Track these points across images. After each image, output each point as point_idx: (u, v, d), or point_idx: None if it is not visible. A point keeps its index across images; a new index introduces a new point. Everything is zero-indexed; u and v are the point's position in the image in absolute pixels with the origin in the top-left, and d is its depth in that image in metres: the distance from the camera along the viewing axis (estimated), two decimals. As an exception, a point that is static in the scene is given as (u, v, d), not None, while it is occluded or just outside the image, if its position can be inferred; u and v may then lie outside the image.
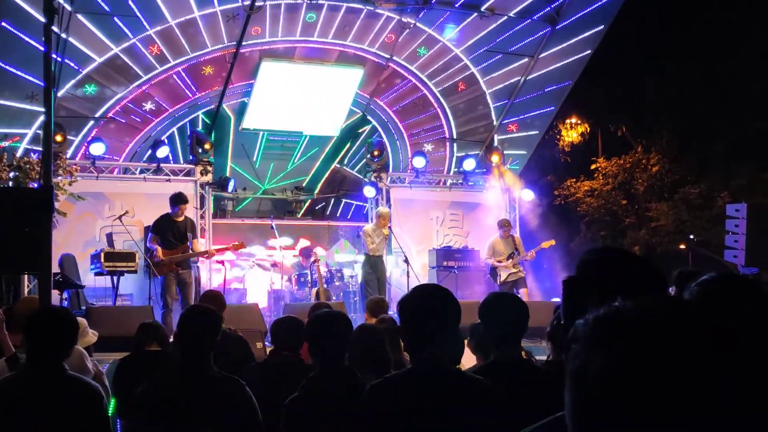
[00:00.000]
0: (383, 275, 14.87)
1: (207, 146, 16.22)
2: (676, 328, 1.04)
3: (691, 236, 23.13)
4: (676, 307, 1.08)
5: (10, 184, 12.99)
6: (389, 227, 14.88)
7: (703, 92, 23.58)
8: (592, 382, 1.05)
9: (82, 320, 6.97)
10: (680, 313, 1.06)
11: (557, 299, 15.90)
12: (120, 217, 14.19)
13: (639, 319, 1.06)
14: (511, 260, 15.33)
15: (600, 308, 1.12)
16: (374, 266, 14.73)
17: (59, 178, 13.73)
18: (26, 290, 13.69)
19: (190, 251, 13.23)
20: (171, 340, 7.26)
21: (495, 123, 18.45)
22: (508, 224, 15.96)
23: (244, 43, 15.58)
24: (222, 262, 14.33)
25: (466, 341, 5.71)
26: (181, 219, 13.31)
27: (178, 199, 13.33)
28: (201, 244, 14.12)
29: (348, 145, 19.07)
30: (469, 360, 5.73)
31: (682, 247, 23.28)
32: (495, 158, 18.27)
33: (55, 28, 8.67)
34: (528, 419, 3.55)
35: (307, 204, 19.54)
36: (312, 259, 15.49)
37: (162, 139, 16.39)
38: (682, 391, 0.99)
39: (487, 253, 15.79)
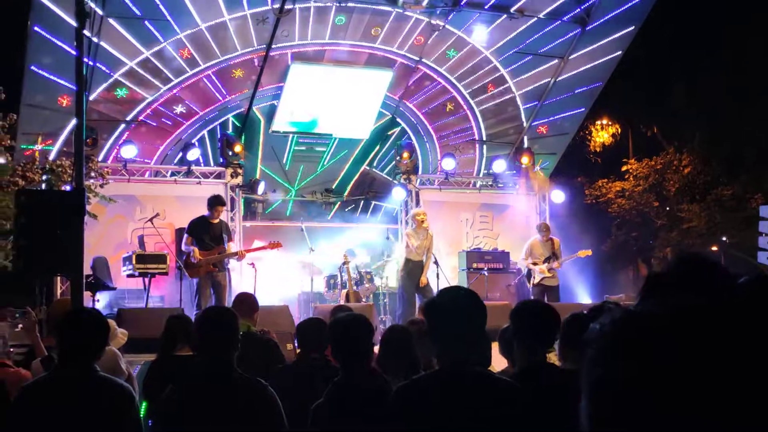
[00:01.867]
0: (421, 282, 14.47)
1: (238, 149, 16.30)
2: (696, 329, 1.02)
3: (724, 238, 22.92)
4: (696, 310, 1.06)
5: (43, 186, 13.13)
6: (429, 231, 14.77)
7: (736, 92, 23.34)
8: (609, 389, 1.04)
9: (110, 322, 7.01)
10: (700, 315, 1.04)
11: (588, 301, 15.83)
12: (151, 220, 14.33)
13: (656, 321, 1.05)
14: (546, 264, 15.23)
15: (616, 312, 1.10)
16: (410, 273, 14.54)
17: (91, 180, 13.86)
18: (59, 292, 13.83)
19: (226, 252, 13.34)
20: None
21: (525, 124, 18.40)
22: (547, 228, 15.86)
23: (273, 46, 15.64)
24: (253, 264, 14.37)
25: (495, 343, 5.69)
26: (216, 221, 13.40)
27: (216, 201, 13.46)
28: (234, 246, 14.18)
29: (377, 148, 19.07)
30: (499, 363, 5.72)
31: (715, 249, 23.07)
32: (525, 160, 18.20)
33: (86, 32, 8.75)
34: (556, 423, 3.54)
35: (336, 206, 19.56)
36: (342, 261, 15.50)
37: (192, 141, 16.49)
38: (702, 398, 0.98)
39: (524, 254, 15.71)
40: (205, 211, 13.62)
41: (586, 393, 1.08)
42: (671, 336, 1.02)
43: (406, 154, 17.67)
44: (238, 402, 4.30)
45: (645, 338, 1.03)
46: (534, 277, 15.35)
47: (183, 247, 13.44)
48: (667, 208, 24.88)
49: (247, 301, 8.30)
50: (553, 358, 4.67)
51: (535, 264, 15.35)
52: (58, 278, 13.75)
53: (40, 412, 4.32)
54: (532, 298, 14.48)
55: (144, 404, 6.35)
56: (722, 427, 0.97)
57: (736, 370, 0.98)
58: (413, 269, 14.52)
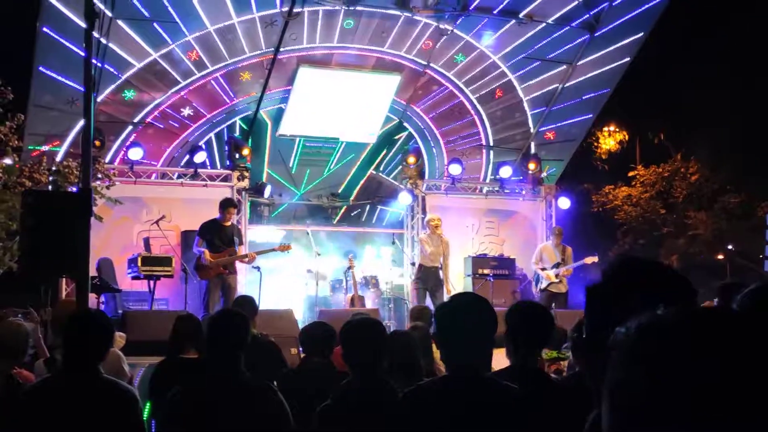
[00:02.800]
0: (436, 289, 14.46)
1: (245, 152, 16.29)
2: (723, 336, 1.00)
3: (730, 246, 22.85)
4: (720, 315, 1.04)
5: (50, 187, 13.13)
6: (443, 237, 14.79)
7: (744, 100, 23.25)
8: (633, 394, 1.01)
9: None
10: (726, 322, 1.02)
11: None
12: (157, 222, 14.33)
13: (683, 327, 1.02)
14: (554, 270, 15.22)
15: (641, 316, 1.08)
16: (425, 279, 14.55)
17: (97, 182, 13.85)
18: (64, 293, 13.83)
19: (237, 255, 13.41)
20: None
21: (532, 130, 18.36)
22: (560, 232, 15.95)
23: (281, 50, 15.62)
24: (258, 268, 14.37)
25: (503, 349, 5.67)
26: (227, 224, 13.46)
27: (227, 203, 13.61)
28: (244, 250, 14.24)
29: (384, 152, 19.06)
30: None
31: (721, 257, 23.01)
32: (532, 166, 18.18)
33: (95, 34, 8.75)
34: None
35: (342, 210, 19.55)
36: (348, 265, 15.49)
37: (199, 144, 16.48)
38: (730, 403, 0.96)
39: (535, 258, 15.79)
40: (211, 214, 13.67)
41: (608, 396, 1.06)
42: (694, 342, 1.00)
43: (412, 159, 17.66)
44: (245, 404, 4.29)
45: (669, 343, 1.01)
46: (541, 283, 15.35)
47: (194, 250, 13.49)
48: (674, 216, 24.82)
49: (247, 304, 8.32)
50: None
51: (543, 269, 15.36)
52: (64, 279, 13.75)
53: (45, 414, 4.30)
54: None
55: (148, 405, 6.33)
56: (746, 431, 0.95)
57: (757, 377, 0.96)
58: (426, 275, 14.52)
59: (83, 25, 8.70)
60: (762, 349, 0.99)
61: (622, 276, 1.92)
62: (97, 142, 14.16)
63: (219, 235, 13.35)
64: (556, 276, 15.25)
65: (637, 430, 1.01)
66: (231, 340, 4.43)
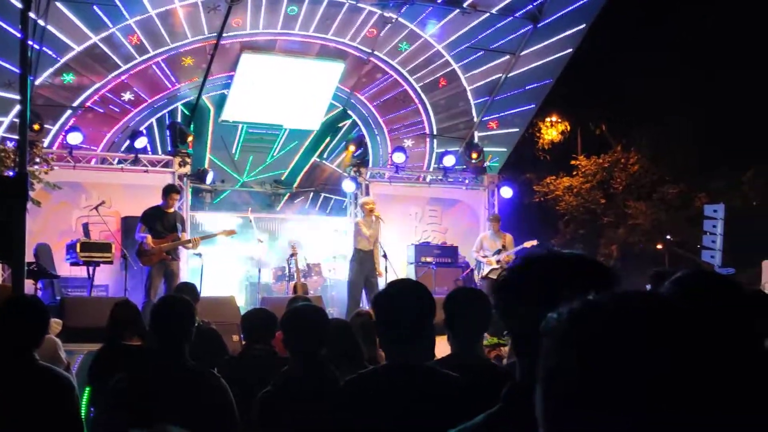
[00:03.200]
0: (372, 273, 14.41)
1: (189, 138, 16.13)
2: (653, 323, 1.00)
3: (668, 236, 23.24)
4: (650, 301, 1.05)
5: (-15, 172, 12.87)
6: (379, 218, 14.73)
7: (694, 89, 23.57)
8: (566, 380, 1.01)
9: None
10: (656, 308, 1.02)
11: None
12: (96, 207, 14.13)
13: (614, 314, 1.03)
14: (495, 256, 15.34)
15: (572, 302, 1.07)
16: (362, 263, 14.45)
17: (35, 166, 13.62)
18: (0, 279, 13.57)
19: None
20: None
21: (475, 120, 18.45)
22: (497, 219, 16.07)
23: (224, 35, 15.49)
24: (200, 254, 14.25)
25: (446, 337, 5.69)
26: (171, 211, 13.30)
27: (170, 189, 13.49)
28: (188, 236, 14.10)
29: (328, 140, 19.01)
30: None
31: (660, 247, 23.40)
32: (475, 155, 18.27)
33: (32, 15, 8.58)
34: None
35: (285, 197, 19.47)
36: (290, 252, 15.43)
37: (140, 129, 16.27)
38: (661, 389, 0.96)
39: (476, 246, 15.89)
40: (152, 200, 13.53)
41: (541, 382, 1.05)
42: (626, 327, 1.00)
43: (352, 148, 17.61)
44: (189, 392, 4.25)
45: (602, 328, 1.01)
46: (482, 270, 15.45)
47: (136, 236, 13.29)
48: (614, 206, 25.17)
49: (188, 290, 8.25)
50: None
51: (485, 257, 15.48)
52: (0, 265, 13.50)
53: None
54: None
55: (87, 391, 6.25)
56: (677, 417, 0.96)
57: (686, 359, 0.97)
58: (364, 259, 14.44)
59: (20, 5, 8.53)
60: (690, 334, 0.99)
61: (535, 269, 1.91)
62: (36, 126, 13.92)
63: (162, 222, 13.20)
64: (498, 262, 15.36)
65: (570, 416, 1.01)
66: (174, 327, 4.39)
